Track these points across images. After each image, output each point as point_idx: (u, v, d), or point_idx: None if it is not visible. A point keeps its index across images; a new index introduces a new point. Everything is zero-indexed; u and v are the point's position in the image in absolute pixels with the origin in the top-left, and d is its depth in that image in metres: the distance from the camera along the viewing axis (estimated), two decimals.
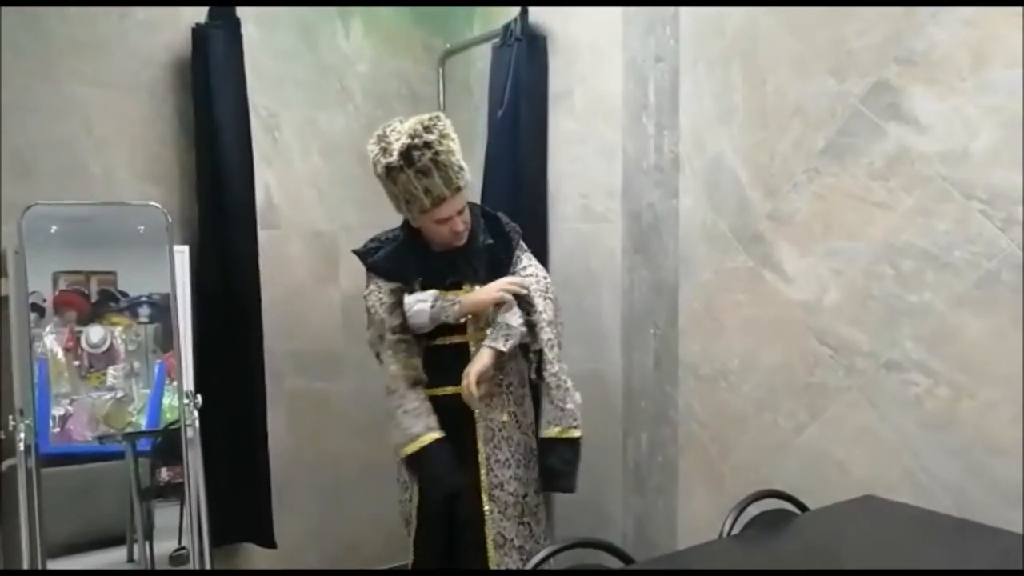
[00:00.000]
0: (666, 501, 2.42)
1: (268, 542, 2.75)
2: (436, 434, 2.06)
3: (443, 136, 2.00)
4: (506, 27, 2.74)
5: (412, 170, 1.97)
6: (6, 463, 2.36)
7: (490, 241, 2.18)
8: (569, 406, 2.13)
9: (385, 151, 2.00)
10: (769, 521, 1.73)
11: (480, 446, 2.13)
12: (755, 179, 2.12)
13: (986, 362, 1.66)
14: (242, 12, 2.66)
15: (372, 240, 2.26)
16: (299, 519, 2.99)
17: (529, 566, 1.56)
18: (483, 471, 2.13)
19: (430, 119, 2.02)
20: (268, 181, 2.89)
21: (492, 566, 2.13)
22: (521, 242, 2.26)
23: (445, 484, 2.08)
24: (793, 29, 2.01)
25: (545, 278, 2.23)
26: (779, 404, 2.08)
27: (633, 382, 2.52)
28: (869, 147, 1.85)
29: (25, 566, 2.23)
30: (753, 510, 1.76)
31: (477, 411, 2.13)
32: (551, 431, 2.11)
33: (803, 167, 2.00)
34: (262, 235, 2.78)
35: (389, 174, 2.01)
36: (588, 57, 2.63)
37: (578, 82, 2.66)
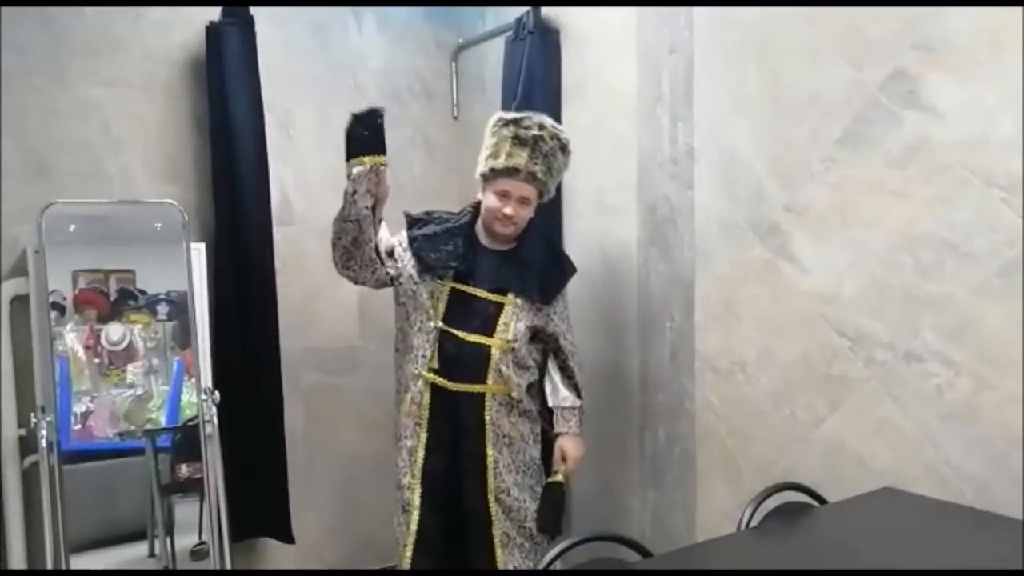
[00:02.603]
0: (684, 494, 2.41)
1: (286, 537, 2.77)
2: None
3: (556, 138, 2.14)
4: (519, 20, 2.73)
5: (513, 129, 2.10)
6: (28, 460, 2.39)
7: (545, 263, 2.23)
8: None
9: (508, 113, 2.17)
10: (788, 514, 1.71)
11: (488, 450, 2.15)
12: (771, 170, 2.10)
13: (1008, 352, 1.64)
14: (255, 10, 2.67)
15: (425, 212, 2.28)
16: (317, 514, 3.00)
17: (545, 560, 1.56)
18: (490, 474, 2.15)
19: (559, 126, 2.18)
20: (283, 178, 2.90)
21: (499, 564, 2.15)
22: (571, 278, 2.32)
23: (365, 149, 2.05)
24: (808, 18, 1.98)
25: (575, 343, 2.33)
26: (797, 396, 2.07)
27: (650, 375, 2.51)
28: (887, 136, 1.82)
29: (48, 561, 2.26)
30: (771, 503, 1.74)
31: (488, 415, 2.15)
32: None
33: (820, 157, 1.98)
34: (278, 232, 2.79)
35: (499, 125, 2.13)
36: (601, 49, 2.61)
37: (591, 75, 2.65)
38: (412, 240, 2.21)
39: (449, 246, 2.17)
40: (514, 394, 2.17)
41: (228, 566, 2.49)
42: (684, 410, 2.39)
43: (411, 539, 2.19)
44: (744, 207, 2.17)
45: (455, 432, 2.16)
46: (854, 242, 1.91)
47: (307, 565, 2.99)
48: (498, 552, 2.15)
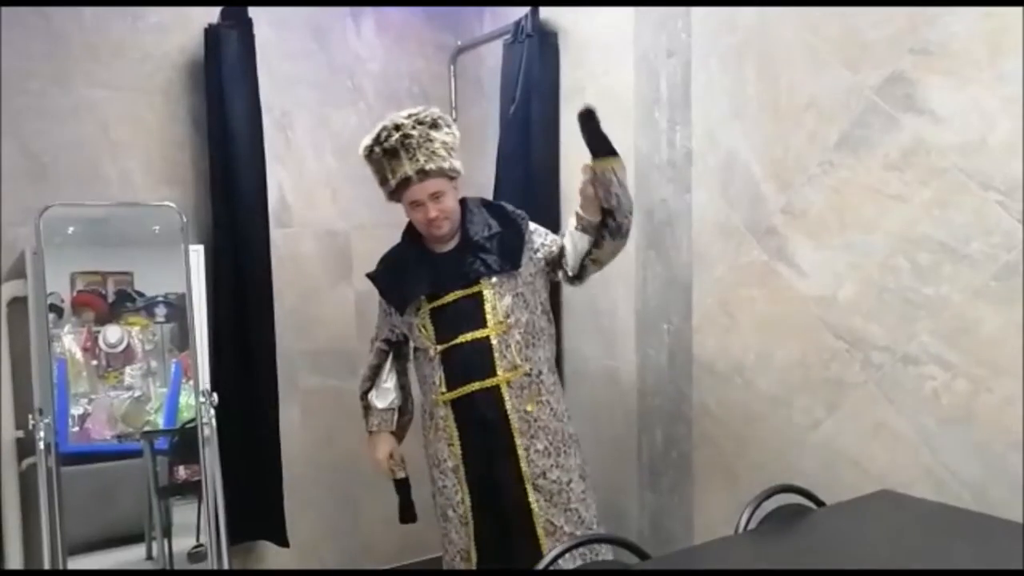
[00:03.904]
0: (681, 497, 2.42)
1: (281, 540, 2.77)
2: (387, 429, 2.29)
3: (419, 123, 2.05)
4: (517, 24, 2.73)
5: (380, 149, 2.05)
6: (26, 462, 2.39)
7: (497, 231, 2.15)
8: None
9: (370, 135, 2.10)
10: (785, 516, 1.71)
11: (517, 438, 2.10)
12: (769, 173, 2.11)
13: (1005, 355, 1.64)
14: (254, 12, 2.67)
15: (380, 261, 2.29)
16: (314, 517, 3.00)
17: (545, 562, 1.56)
18: (523, 462, 2.10)
19: (416, 109, 2.08)
20: (281, 180, 2.90)
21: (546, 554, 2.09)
22: (533, 229, 2.21)
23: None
24: (806, 21, 1.99)
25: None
26: (794, 399, 2.07)
27: (647, 379, 2.51)
28: (884, 139, 1.83)
29: (46, 563, 2.26)
30: (769, 505, 1.74)
31: (509, 404, 2.10)
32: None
33: (817, 160, 1.98)
34: (276, 234, 2.80)
35: (366, 155, 2.09)
36: (599, 53, 2.62)
37: (590, 78, 2.66)
38: (381, 294, 2.26)
39: (405, 277, 2.18)
40: (527, 368, 2.11)
41: (226, 568, 2.49)
42: (682, 413, 2.39)
43: (474, 547, 2.16)
44: (742, 210, 2.18)
45: (484, 432, 2.12)
46: (852, 245, 1.92)
47: (305, 567, 2.99)
48: (543, 541, 2.09)
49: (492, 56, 3.00)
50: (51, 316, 2.37)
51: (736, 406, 2.23)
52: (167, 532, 2.59)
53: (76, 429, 2.45)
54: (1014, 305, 1.62)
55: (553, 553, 1.55)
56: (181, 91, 2.69)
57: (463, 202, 2.18)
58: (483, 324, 2.11)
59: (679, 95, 2.34)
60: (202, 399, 2.48)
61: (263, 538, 2.80)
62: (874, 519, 1.60)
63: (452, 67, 3.26)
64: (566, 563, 1.87)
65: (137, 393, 2.54)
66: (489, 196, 2.76)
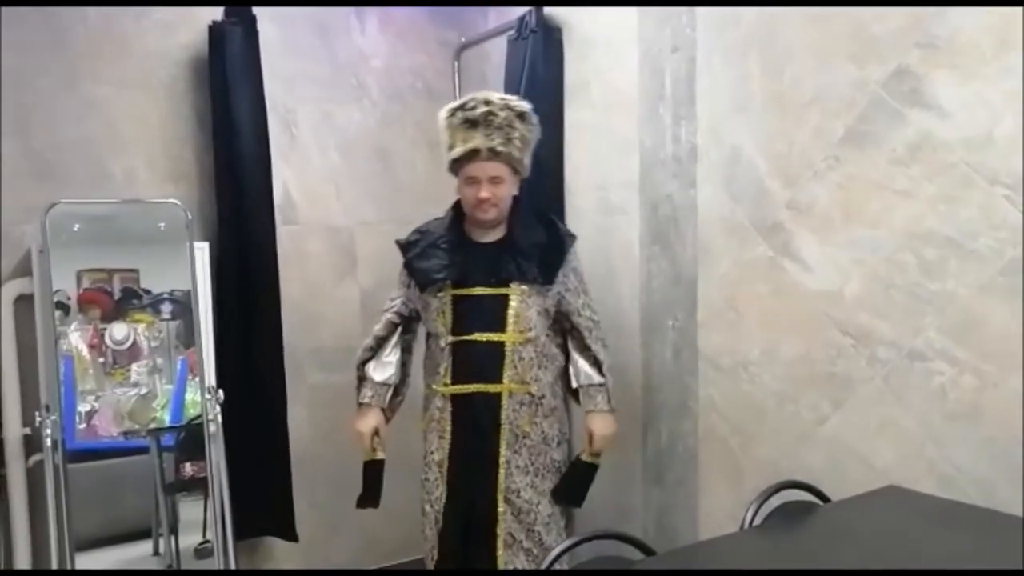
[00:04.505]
0: (687, 493, 2.42)
1: (290, 535, 2.78)
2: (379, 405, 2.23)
3: (508, 108, 2.06)
4: (521, 19, 2.73)
5: (463, 116, 2.05)
6: (33, 459, 2.40)
7: (542, 241, 2.14)
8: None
9: (458, 101, 2.11)
10: (791, 512, 1.71)
11: (502, 449, 2.11)
12: (774, 168, 2.10)
13: (1011, 350, 1.63)
14: (258, 10, 2.67)
15: (415, 231, 2.24)
16: (321, 512, 3.01)
17: (549, 559, 1.56)
18: (502, 473, 2.12)
19: (510, 96, 2.10)
20: (286, 177, 2.90)
21: (500, 565, 2.13)
22: (575, 255, 2.22)
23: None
24: (811, 16, 1.98)
25: (594, 317, 2.24)
26: (800, 395, 2.07)
27: (653, 374, 2.51)
28: (890, 134, 1.82)
29: (53, 559, 2.27)
30: (775, 501, 1.74)
31: (505, 414, 2.11)
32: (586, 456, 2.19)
33: (823, 155, 1.97)
34: (281, 231, 2.80)
35: (447, 116, 2.09)
36: (604, 48, 2.61)
37: (594, 73, 2.65)
38: (406, 265, 2.21)
39: (437, 256, 2.14)
40: (533, 389, 2.12)
41: (232, 565, 2.50)
42: (687, 409, 2.39)
43: (435, 544, 2.18)
44: (747, 205, 2.17)
45: (474, 434, 2.13)
46: (857, 240, 1.91)
47: (311, 563, 2.99)
48: (500, 552, 2.12)
49: (496, 52, 2.99)
50: (57, 313, 2.38)
51: (741, 402, 2.23)
52: (173, 528, 2.60)
53: (83, 426, 2.46)
54: (1020, 300, 1.61)
55: (557, 550, 1.56)
56: (185, 88, 2.69)
57: (516, 200, 2.16)
58: (502, 328, 2.09)
59: (683, 90, 2.34)
60: (208, 396, 2.48)
61: (271, 534, 2.80)
62: (880, 515, 1.60)
63: (456, 63, 3.25)
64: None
65: (143, 390, 2.55)
66: None
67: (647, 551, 1.56)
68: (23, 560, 2.41)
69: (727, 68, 2.20)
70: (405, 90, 3.17)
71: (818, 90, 1.98)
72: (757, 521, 1.68)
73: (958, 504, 1.63)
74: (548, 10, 2.71)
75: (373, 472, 2.20)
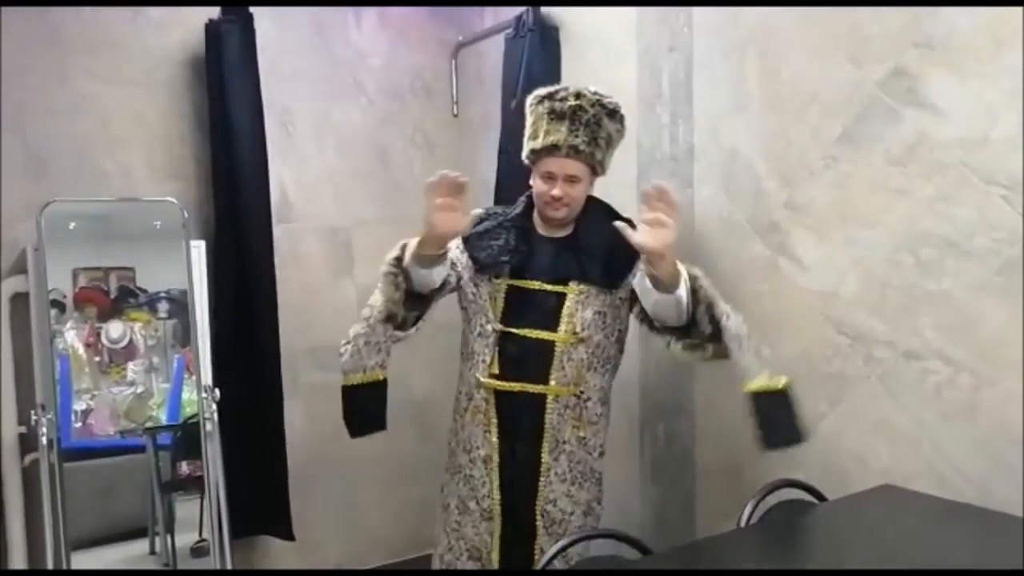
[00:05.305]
0: (683, 491, 2.42)
1: (287, 534, 2.78)
2: (383, 373, 2.01)
3: (599, 104, 1.93)
4: (518, 18, 2.73)
5: (548, 104, 1.94)
6: (29, 457, 2.39)
7: (611, 243, 1.93)
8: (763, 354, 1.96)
9: (548, 88, 1.99)
10: (787, 511, 1.72)
11: (544, 456, 2.00)
12: (771, 168, 2.10)
13: (1007, 350, 1.64)
14: (255, 8, 2.67)
15: (486, 208, 2.09)
16: (319, 511, 3.01)
17: (545, 559, 1.56)
18: (542, 481, 2.01)
19: (604, 92, 1.96)
20: (283, 176, 2.90)
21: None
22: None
23: (367, 427, 2.03)
24: (808, 16, 1.98)
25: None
26: (797, 394, 2.06)
27: (649, 373, 2.51)
28: (887, 134, 1.83)
29: (49, 558, 2.26)
30: (771, 500, 1.75)
31: (548, 418, 1.99)
32: (758, 382, 1.87)
33: (820, 155, 1.98)
34: (277, 230, 2.79)
35: (535, 102, 1.97)
36: (601, 47, 2.61)
37: (591, 73, 2.65)
38: (466, 240, 2.06)
39: (500, 240, 2.02)
40: (580, 390, 1.99)
41: (228, 564, 2.50)
42: (684, 408, 2.39)
43: (497, 546, 2.04)
44: (744, 205, 2.17)
45: (516, 437, 2.02)
46: (854, 240, 1.91)
47: (308, 563, 2.99)
48: (534, 561, 1.99)
49: (494, 51, 2.99)
50: (53, 312, 2.37)
51: (738, 401, 2.22)
52: (170, 527, 2.59)
53: (79, 425, 2.46)
54: (1017, 300, 1.62)
55: (555, 548, 1.56)
56: (182, 86, 2.69)
57: (590, 200, 2.06)
58: (554, 327, 1.98)
59: (681, 90, 2.34)
60: (204, 394, 2.48)
61: (267, 533, 2.80)
62: (876, 514, 1.60)
63: (454, 62, 3.25)
64: None
65: (139, 389, 2.55)
66: (491, 191, 2.76)
67: (644, 550, 1.57)
68: (19, 559, 2.41)
69: (725, 67, 2.20)
70: (403, 89, 3.16)
71: (815, 90, 1.98)
72: (754, 520, 1.68)
73: (954, 503, 1.64)
74: (545, 9, 2.71)
75: (377, 393, 2.04)
